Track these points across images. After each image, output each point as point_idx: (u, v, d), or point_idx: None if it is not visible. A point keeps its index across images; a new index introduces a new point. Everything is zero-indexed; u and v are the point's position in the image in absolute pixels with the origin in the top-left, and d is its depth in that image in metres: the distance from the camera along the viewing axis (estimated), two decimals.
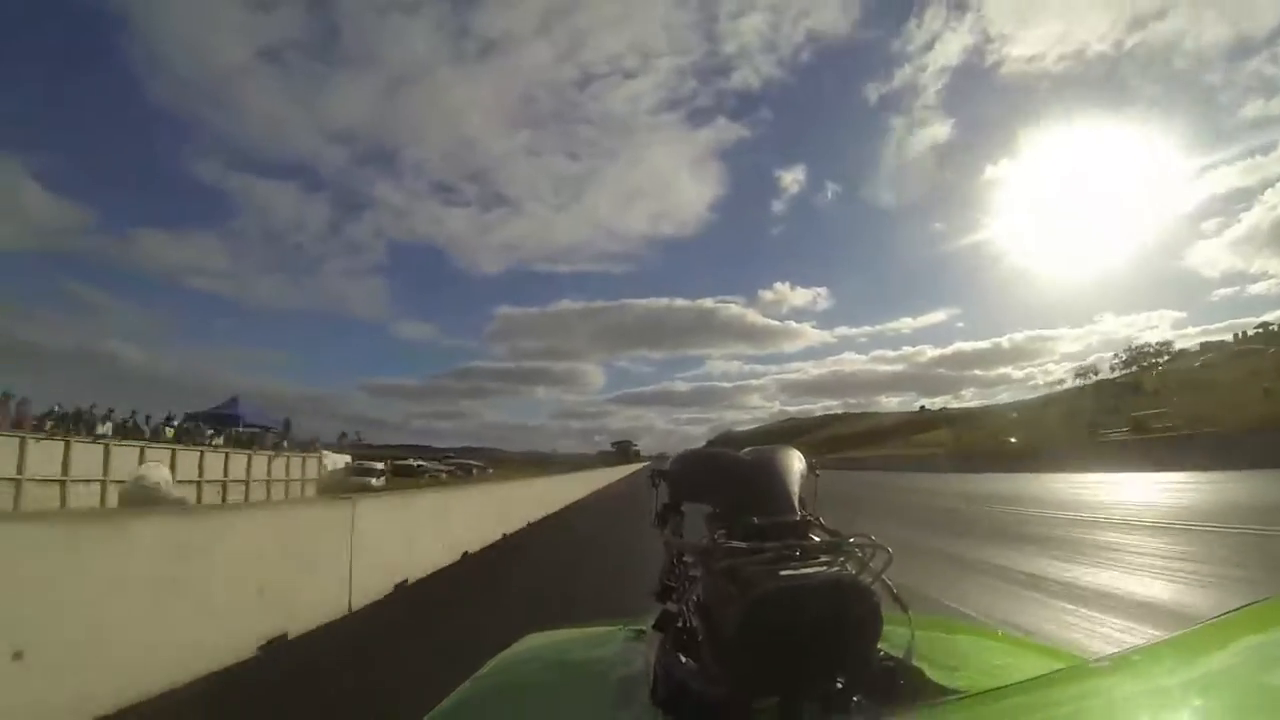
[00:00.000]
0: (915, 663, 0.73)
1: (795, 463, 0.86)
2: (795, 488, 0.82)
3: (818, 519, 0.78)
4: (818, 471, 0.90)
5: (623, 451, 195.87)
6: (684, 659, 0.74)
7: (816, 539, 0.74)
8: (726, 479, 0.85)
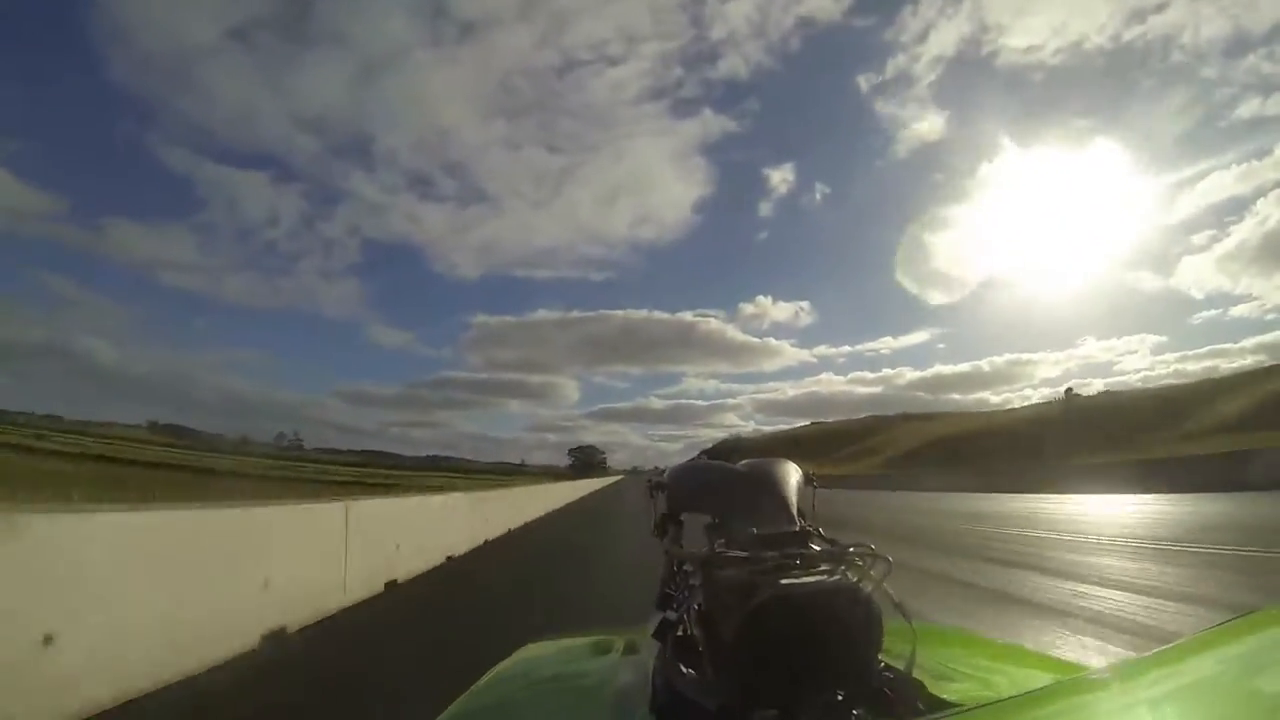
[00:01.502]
0: (916, 673, 0.74)
1: (792, 475, 0.88)
2: (793, 499, 0.83)
3: (817, 529, 0.79)
4: (815, 483, 0.92)
5: (584, 463, 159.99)
6: (683, 668, 0.74)
7: (817, 548, 0.75)
8: (726, 489, 0.86)
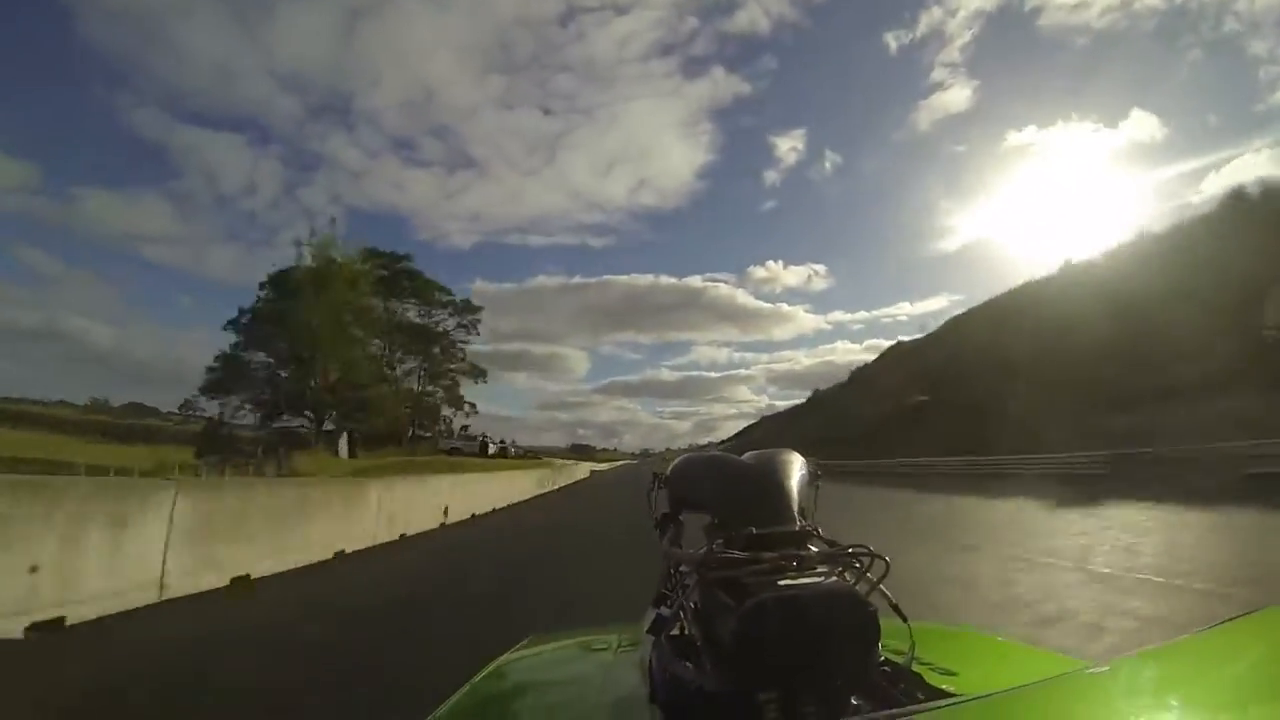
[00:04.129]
0: (916, 669, 0.74)
1: (796, 469, 0.86)
2: (796, 496, 0.81)
3: (816, 529, 0.78)
4: (820, 480, 0.89)
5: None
6: (682, 662, 0.74)
7: (815, 549, 0.74)
8: (726, 486, 0.85)
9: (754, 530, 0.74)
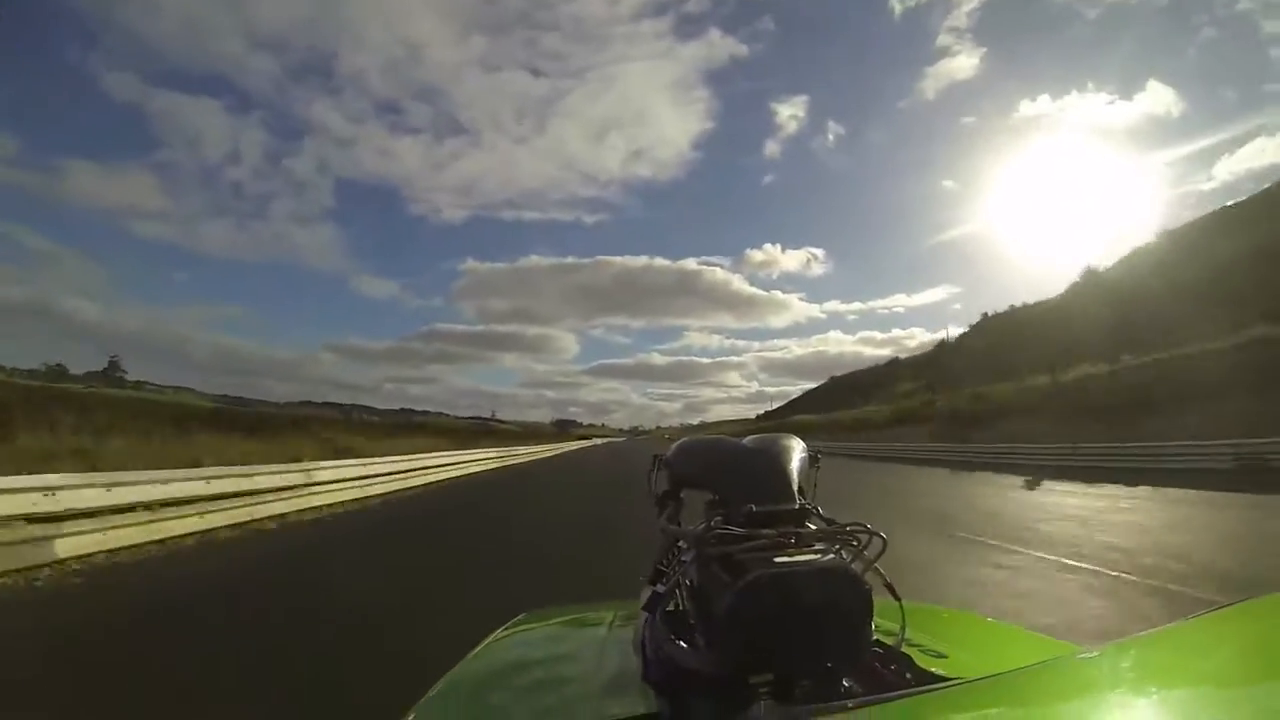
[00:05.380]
0: (906, 649, 0.75)
1: (796, 451, 0.87)
2: (795, 476, 0.82)
3: (816, 508, 0.79)
4: (819, 461, 0.91)
5: None
6: (676, 640, 0.75)
7: (813, 527, 0.75)
8: (727, 465, 0.86)
9: (753, 507, 0.74)
